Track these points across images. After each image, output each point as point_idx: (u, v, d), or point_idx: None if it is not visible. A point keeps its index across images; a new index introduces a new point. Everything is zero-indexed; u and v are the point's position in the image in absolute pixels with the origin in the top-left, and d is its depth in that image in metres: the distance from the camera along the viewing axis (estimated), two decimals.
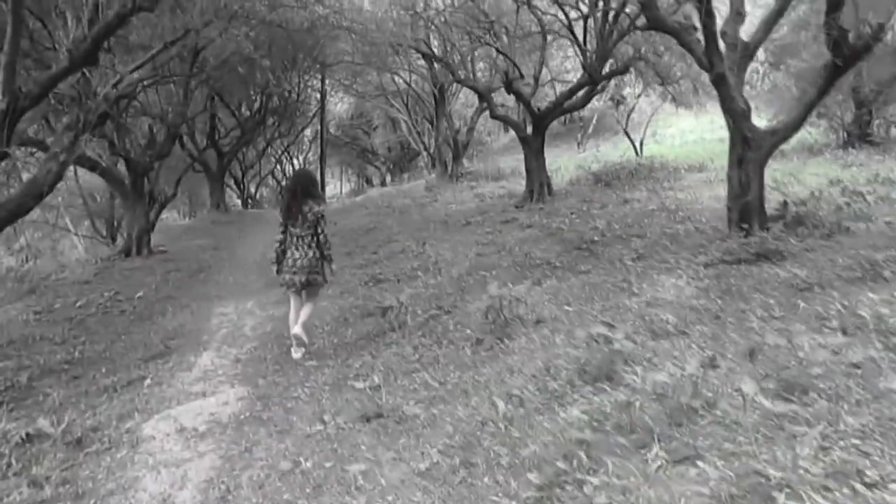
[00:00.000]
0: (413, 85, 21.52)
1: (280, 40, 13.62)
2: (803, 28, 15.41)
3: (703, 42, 6.64)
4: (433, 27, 12.49)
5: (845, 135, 14.68)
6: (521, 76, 11.84)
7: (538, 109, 12.53)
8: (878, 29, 5.35)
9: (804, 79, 14.65)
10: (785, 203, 6.47)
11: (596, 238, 8.59)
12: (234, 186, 28.20)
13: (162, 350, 6.32)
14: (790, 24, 15.66)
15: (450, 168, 20.44)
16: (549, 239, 9.22)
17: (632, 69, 12.72)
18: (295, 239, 5.56)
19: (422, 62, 19.14)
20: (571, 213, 10.91)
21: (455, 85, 20.10)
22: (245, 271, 10.64)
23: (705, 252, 6.18)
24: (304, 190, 5.59)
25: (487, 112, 20.84)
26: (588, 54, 11.24)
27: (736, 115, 5.91)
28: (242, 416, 4.38)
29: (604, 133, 27.75)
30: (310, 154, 37.32)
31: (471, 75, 13.20)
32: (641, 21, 7.02)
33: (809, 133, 17.06)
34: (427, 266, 8.34)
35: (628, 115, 20.16)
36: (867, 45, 5.39)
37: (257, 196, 31.73)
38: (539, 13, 12.07)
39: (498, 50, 11.01)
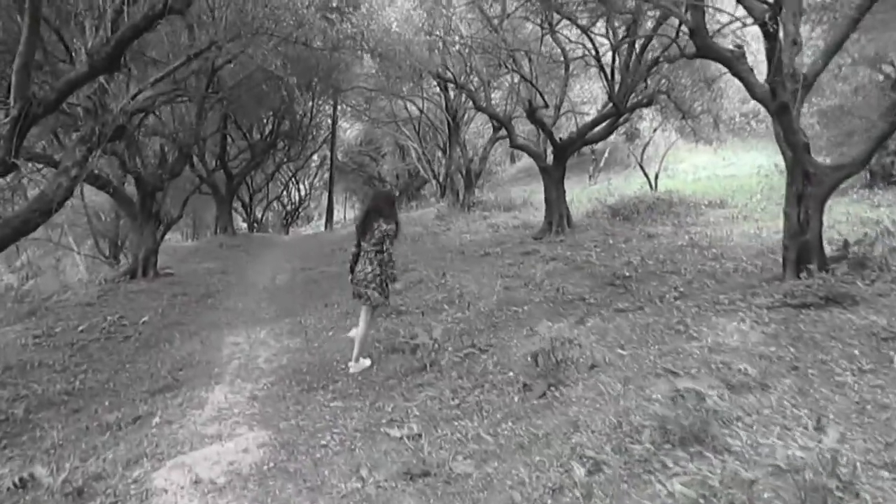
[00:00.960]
0: (426, 112, 21.25)
1: (299, 62, 13.33)
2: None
3: (753, 70, 6.29)
4: (455, 53, 12.17)
5: (868, 175, 14.31)
6: (546, 105, 11.51)
7: (560, 139, 12.17)
8: None
9: (827, 116, 14.44)
10: (846, 243, 6.04)
11: (628, 273, 8.17)
12: (241, 209, 27.83)
13: (170, 382, 5.83)
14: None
15: (461, 197, 20.07)
16: (577, 273, 8.79)
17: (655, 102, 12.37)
18: (363, 253, 5.80)
19: (436, 89, 18.88)
20: (595, 247, 10.49)
21: (468, 113, 19.86)
22: (256, 298, 10.17)
23: (760, 293, 5.72)
24: (377, 208, 5.77)
25: (499, 141, 20.70)
26: (615, 85, 10.90)
27: (797, 149, 5.51)
28: (266, 467, 3.87)
29: (614, 167, 27.48)
30: (316, 179, 37.11)
31: (491, 103, 12.87)
32: (690, 49, 6.64)
33: None
34: (452, 298, 7.88)
35: (643, 149, 19.85)
36: None
37: (263, 220, 31.39)
38: (562, 42, 11.80)
39: (523, 77, 10.65)
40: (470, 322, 6.76)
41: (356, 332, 5.84)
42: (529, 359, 4.78)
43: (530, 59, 11.76)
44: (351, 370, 5.74)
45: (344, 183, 37.39)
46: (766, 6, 4.75)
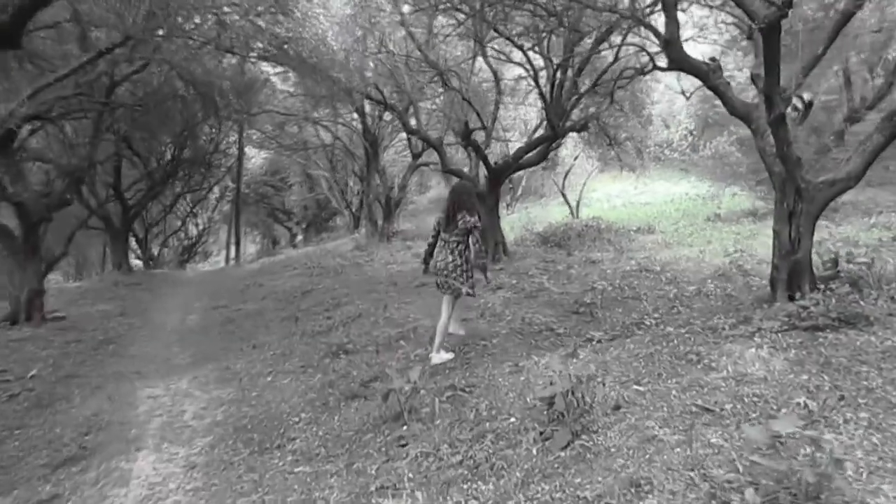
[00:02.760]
0: (341, 138, 20.37)
1: (206, 80, 12.16)
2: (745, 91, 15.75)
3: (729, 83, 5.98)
4: (386, 71, 11.46)
5: None
6: (484, 126, 11.00)
7: (495, 164, 11.69)
8: None
9: (745, 144, 14.87)
10: (835, 261, 5.76)
11: (590, 300, 7.64)
12: (134, 245, 25.54)
13: (76, 452, 4.63)
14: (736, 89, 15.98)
15: (380, 227, 19.25)
16: (532, 301, 8.18)
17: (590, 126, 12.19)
18: (443, 244, 5.87)
19: (353, 115, 18.10)
20: (542, 274, 9.96)
21: (387, 139, 19.20)
22: (165, 341, 8.87)
23: (755, 317, 5.27)
24: (461, 201, 5.81)
25: (421, 168, 20.15)
26: (552, 107, 10.55)
27: (791, 163, 5.18)
28: None
29: (529, 196, 27.63)
30: (215, 213, 34.94)
31: (421, 125, 12.22)
32: (662, 61, 6.28)
33: (738, 196, 17.39)
34: (406, 333, 7.02)
35: (565, 177, 19.88)
36: None
37: (159, 256, 29.00)
38: (495, 62, 11.42)
39: (462, 96, 10.09)
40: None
41: (450, 322, 5.95)
42: (538, 402, 4.03)
43: (460, 80, 11.23)
44: (433, 361, 5.78)
45: (245, 216, 35.49)
46: (775, 8, 4.38)
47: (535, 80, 10.36)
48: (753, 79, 5.77)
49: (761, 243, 10.83)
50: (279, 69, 12.61)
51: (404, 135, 18.72)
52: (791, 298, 5.43)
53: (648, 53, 6.62)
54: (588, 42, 9.78)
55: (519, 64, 10.66)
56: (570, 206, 19.17)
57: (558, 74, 10.21)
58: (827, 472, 2.48)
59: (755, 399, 3.78)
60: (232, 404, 5.59)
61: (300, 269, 15.68)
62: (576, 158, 19.16)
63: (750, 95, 8.39)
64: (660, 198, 23.03)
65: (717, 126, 16.83)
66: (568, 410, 3.72)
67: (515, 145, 14.40)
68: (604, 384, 3.92)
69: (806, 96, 16.40)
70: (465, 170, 12.65)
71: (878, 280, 5.52)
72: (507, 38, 9.94)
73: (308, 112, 17.10)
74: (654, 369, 4.49)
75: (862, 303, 5.07)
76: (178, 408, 5.65)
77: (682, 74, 15.65)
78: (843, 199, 14.55)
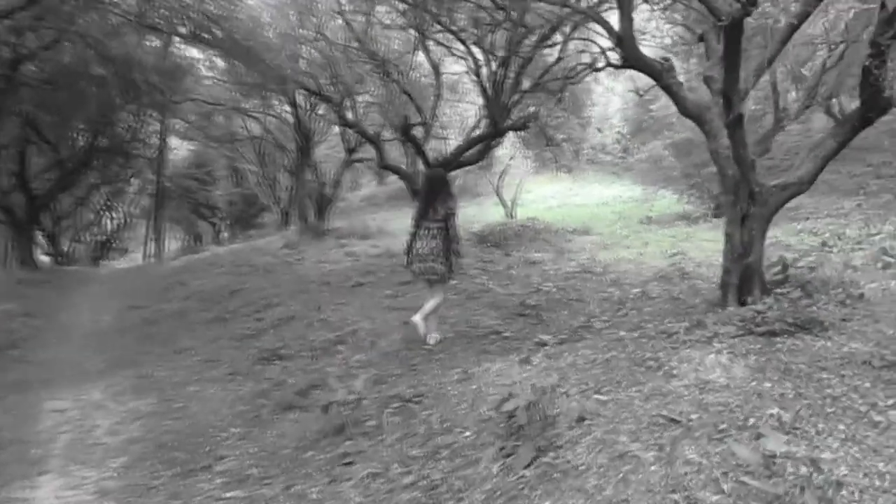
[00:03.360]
0: (272, 131, 19.57)
1: (126, 62, 11.30)
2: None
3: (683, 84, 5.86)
4: (322, 61, 10.92)
5: (713, 206, 15.14)
6: (424, 121, 10.67)
7: (435, 160, 11.38)
8: None
9: (680, 150, 15.15)
10: (784, 266, 5.71)
11: (534, 302, 7.43)
12: (43, 239, 23.79)
13: None
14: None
15: (312, 224, 18.61)
16: (474, 303, 7.92)
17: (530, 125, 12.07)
18: (424, 231, 5.87)
19: (286, 106, 17.40)
20: (483, 274, 9.71)
21: (321, 133, 18.58)
22: (77, 345, 8.12)
23: (709, 321, 5.14)
24: (437, 188, 5.96)
25: (355, 165, 19.60)
26: (495, 103, 10.33)
27: (746, 166, 5.08)
28: None
29: (463, 195, 27.44)
30: (133, 207, 33.06)
31: (359, 118, 11.76)
32: (615, 59, 6.12)
33: (668, 200, 17.73)
34: (344, 337, 6.59)
35: (500, 177, 19.76)
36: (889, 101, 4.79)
37: (70, 253, 27.13)
38: (437, 55, 11.11)
39: (402, 89, 9.72)
40: (379, 366, 5.55)
41: (423, 311, 5.87)
42: (494, 414, 3.73)
43: (400, 73, 10.86)
44: (430, 342, 5.92)
45: (167, 210, 33.76)
46: (739, 5, 4.24)
47: (478, 74, 10.09)
48: (706, 80, 5.66)
49: (697, 246, 10.98)
50: (206, 54, 11.80)
51: (338, 129, 18.17)
52: (742, 303, 5.35)
53: (602, 49, 6.44)
54: (532, 39, 9.59)
55: (461, 57, 10.36)
56: (505, 207, 19.06)
57: (500, 71, 10.00)
58: (828, 495, 2.27)
59: (720, 408, 3.59)
60: (151, 418, 5.04)
61: (227, 267, 14.90)
62: (511, 158, 19.08)
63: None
64: (593, 200, 23.31)
65: (649, 131, 17.09)
66: (530, 423, 3.43)
67: (453, 143, 14.16)
68: (567, 395, 3.64)
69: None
70: (403, 166, 12.28)
71: (825, 284, 5.52)
72: (450, 31, 9.64)
73: (237, 102, 16.27)
74: (613, 377, 4.26)
75: (815, 308, 5.02)
76: (89, 422, 5.04)
77: (622, 76, 15.78)
78: None
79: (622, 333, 5.34)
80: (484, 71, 10.58)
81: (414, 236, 6.00)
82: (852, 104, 13.80)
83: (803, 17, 5.27)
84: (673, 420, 3.51)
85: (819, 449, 2.95)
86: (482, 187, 27.78)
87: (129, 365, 6.90)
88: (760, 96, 16.85)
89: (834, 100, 14.22)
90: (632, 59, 5.80)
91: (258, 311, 8.93)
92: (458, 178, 24.11)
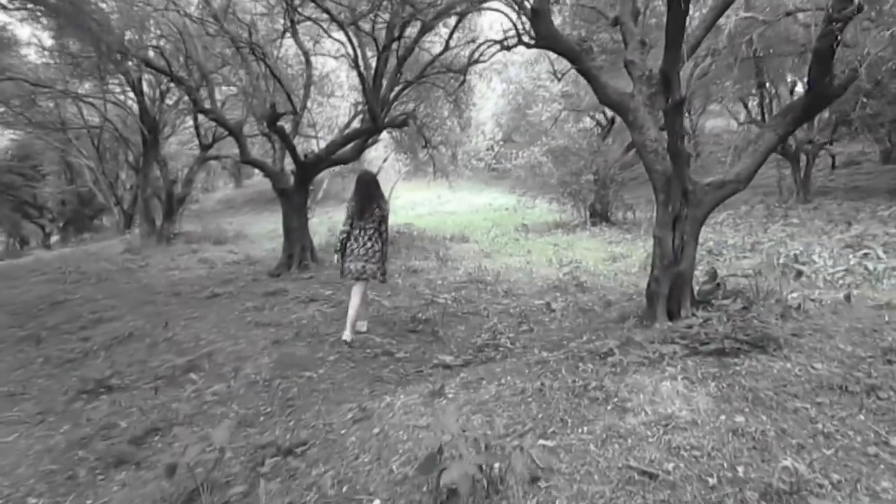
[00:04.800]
0: (112, 120, 17.19)
1: None
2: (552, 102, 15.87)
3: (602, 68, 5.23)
4: (173, 37, 9.28)
5: (588, 214, 15.12)
6: (295, 110, 9.42)
7: (305, 157, 10.17)
8: (852, 75, 4.38)
9: (557, 157, 14.96)
10: (713, 273, 5.21)
11: (425, 316, 6.53)
12: None
13: None
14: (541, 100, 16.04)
15: (159, 227, 16.54)
16: None
17: (410, 122, 11.19)
18: (358, 231, 5.92)
19: (129, 92, 15.28)
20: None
21: (170, 125, 16.57)
22: None
23: (640, 337, 4.48)
24: (371, 189, 5.99)
25: (210, 163, 17.69)
26: (372, 96, 9.33)
27: (681, 159, 4.48)
28: None
29: (330, 200, 26.09)
30: None
31: (216, 105, 10.24)
32: (527, 39, 5.37)
33: (538, 208, 17.63)
34: (199, 362, 5.27)
35: None
36: (844, 87, 4.39)
37: None
38: (307, 41, 9.94)
39: (272, 72, 8.44)
40: (244, 401, 4.35)
41: (351, 320, 5.85)
42: (411, 471, 2.74)
43: (266, 56, 9.53)
44: (362, 329, 6.07)
45: None
46: None
47: (356, 62, 9.02)
48: (627, 66, 5.06)
49: (580, 255, 10.60)
50: (25, 14, 9.72)
51: (191, 122, 16.28)
52: (671, 316, 4.77)
53: (515, 27, 5.66)
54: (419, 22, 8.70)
55: (339, 41, 9.24)
56: None
57: (383, 57, 9.02)
58: None
59: (697, 453, 2.88)
60: None
61: (51, 274, 12.66)
62: (385, 161, 18.12)
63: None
64: (464, 207, 22.95)
65: (527, 135, 16.84)
66: (473, 494, 2.48)
67: (323, 143, 12.93)
68: (521, 449, 2.72)
69: (608, 112, 17.13)
70: (270, 162, 10.92)
71: (763, 294, 5.07)
72: (327, 12, 8.50)
73: (67, 83, 13.95)
74: (552, 412, 3.41)
75: (758, 322, 4.50)
76: None
77: (503, 73, 15.32)
78: None
79: (544, 354, 4.55)
80: (362, 59, 9.53)
81: (348, 236, 5.96)
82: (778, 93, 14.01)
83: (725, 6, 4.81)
84: (648, 474, 2.72)
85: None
86: (349, 192, 26.65)
87: None
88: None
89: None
90: (547, 38, 5.09)
91: (84, 328, 7.27)
92: (323, 181, 22.85)
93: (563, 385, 3.72)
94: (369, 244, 5.90)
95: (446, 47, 8.59)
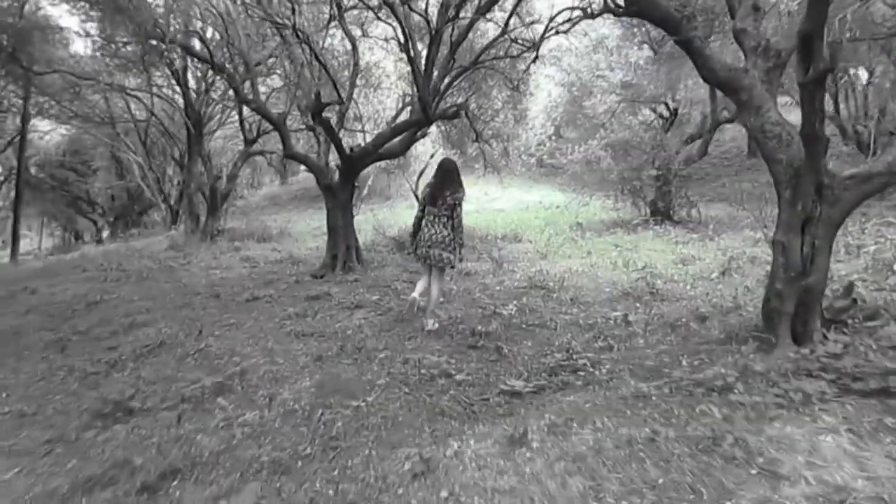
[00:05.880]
0: (158, 115, 16.92)
1: None
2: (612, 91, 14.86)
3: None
4: (216, 18, 8.73)
5: (649, 212, 14.08)
6: (341, 100, 8.76)
7: (351, 150, 9.51)
8: None
9: (617, 151, 13.97)
10: (850, 287, 4.28)
11: (486, 329, 5.76)
12: None
13: None
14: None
15: (203, 224, 16.19)
16: (405, 328, 6.16)
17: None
18: (432, 217, 5.98)
19: (175, 87, 14.92)
20: (411, 289, 7.92)
21: (215, 118, 16.19)
22: None
23: (750, 365, 3.62)
24: (448, 176, 6.00)
25: (255, 159, 17.28)
26: (424, 84, 8.58)
27: (817, 147, 3.60)
28: None
29: (374, 197, 25.53)
30: None
31: (260, 95, 9.66)
32: (615, 5, 4.54)
33: (591, 206, 16.65)
34: (229, 381, 4.62)
35: (419, 177, 18.03)
36: None
37: None
38: (356, 26, 9.27)
39: (316, 56, 7.79)
40: (278, 436, 3.65)
41: (422, 295, 6.03)
42: None
43: (310, 43, 8.87)
44: (428, 328, 5.97)
45: (40, 205, 29.72)
46: None
47: (406, 46, 8.28)
48: (738, 35, 4.19)
49: (646, 256, 9.67)
50: (75, 11, 9.35)
51: (236, 116, 15.87)
52: (795, 338, 3.89)
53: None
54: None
55: (388, 24, 8.53)
56: None
57: (435, 43, 8.27)
58: None
59: None
60: None
61: (92, 272, 12.33)
62: (432, 156, 17.39)
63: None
64: (513, 205, 22.04)
65: (581, 129, 15.90)
66: None
67: (368, 138, 12.27)
68: None
69: (671, 104, 16.05)
70: (314, 157, 10.30)
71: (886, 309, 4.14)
72: None
73: (112, 76, 13.65)
74: (677, 477, 2.60)
75: None
76: None
77: (560, 60, 14.42)
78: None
79: (641, 386, 3.73)
80: (413, 43, 8.80)
81: (420, 221, 6.10)
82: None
83: None
84: None
85: None
86: (394, 188, 26.01)
87: None
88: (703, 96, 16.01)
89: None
90: (644, 2, 4.24)
91: (116, 334, 6.75)
92: (369, 177, 22.27)
93: (682, 434, 2.91)
94: (445, 231, 5.94)
95: (504, 29, 7.77)
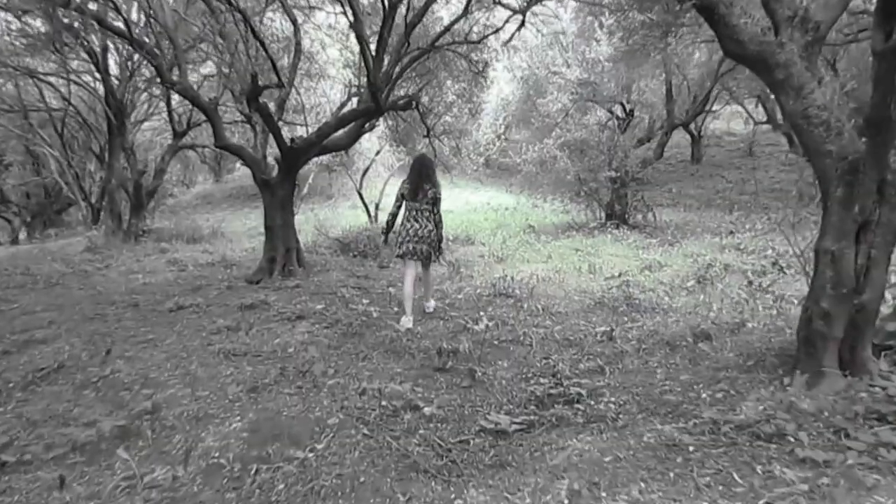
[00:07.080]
0: (76, 104, 15.37)
1: None
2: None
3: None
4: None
5: (603, 216, 13.56)
6: (281, 83, 7.77)
7: (292, 141, 8.52)
8: None
9: (570, 148, 13.40)
10: None
11: (451, 347, 4.92)
12: None
13: None
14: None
15: (126, 223, 14.77)
16: (358, 343, 5.28)
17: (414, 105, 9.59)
18: (414, 212, 5.99)
19: (94, 72, 13.49)
20: (360, 296, 7.05)
21: (140, 108, 14.81)
22: None
23: (797, 404, 2.92)
24: (425, 170, 6.02)
25: (186, 153, 15.94)
26: (375, 70, 7.71)
27: (886, 135, 2.89)
28: None
29: (314, 197, 24.36)
30: None
31: (187, 77, 8.51)
32: None
33: (540, 208, 16.14)
34: (136, 423, 3.62)
35: (363, 175, 17.06)
36: None
37: None
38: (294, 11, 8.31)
39: (254, 33, 6.78)
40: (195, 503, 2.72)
41: (406, 288, 5.95)
42: None
43: (246, 19, 7.83)
44: (429, 310, 6.30)
45: None
46: None
47: (356, 24, 7.36)
48: (768, 4, 3.51)
49: (607, 262, 9.07)
50: None
51: (165, 108, 14.52)
52: (842, 366, 3.22)
53: None
54: None
55: (335, 3, 7.59)
56: (367, 210, 16.41)
57: (388, 25, 7.40)
58: None
59: None
60: None
61: None
62: (378, 153, 16.49)
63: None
64: (460, 206, 21.31)
65: (533, 128, 15.30)
66: None
67: (309, 132, 11.27)
68: None
69: (626, 105, 15.63)
70: (250, 150, 9.24)
71: None
72: None
73: (20, 56, 12.13)
74: None
75: None
76: None
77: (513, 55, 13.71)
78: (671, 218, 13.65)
79: (663, 427, 2.97)
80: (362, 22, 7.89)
81: (395, 217, 6.16)
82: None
83: None
84: None
85: None
86: (336, 188, 24.89)
87: None
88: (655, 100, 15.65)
89: None
90: None
91: (7, 354, 5.58)
92: (309, 174, 21.12)
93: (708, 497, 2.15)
94: (429, 225, 5.98)
95: (465, 11, 6.97)
